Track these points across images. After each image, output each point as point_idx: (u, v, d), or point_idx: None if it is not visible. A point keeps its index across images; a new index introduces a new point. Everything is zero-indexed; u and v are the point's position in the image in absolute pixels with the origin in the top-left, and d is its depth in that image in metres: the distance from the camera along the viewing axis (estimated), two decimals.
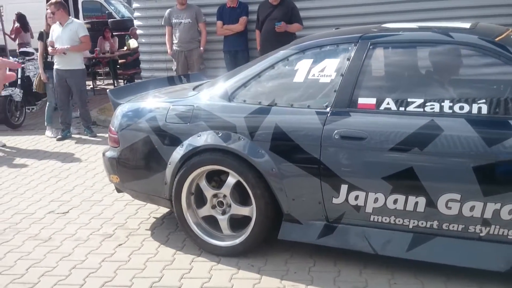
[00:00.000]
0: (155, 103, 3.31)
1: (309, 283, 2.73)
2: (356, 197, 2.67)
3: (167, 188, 3.11)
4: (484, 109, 2.42)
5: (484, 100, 2.44)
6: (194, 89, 3.44)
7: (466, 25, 2.87)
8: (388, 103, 2.62)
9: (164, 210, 3.72)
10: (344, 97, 2.72)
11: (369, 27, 3.06)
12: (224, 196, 3.02)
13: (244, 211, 2.99)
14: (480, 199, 2.40)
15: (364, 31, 2.89)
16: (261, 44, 6.00)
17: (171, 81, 4.15)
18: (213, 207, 3.08)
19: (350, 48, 2.80)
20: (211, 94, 3.15)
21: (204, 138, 2.98)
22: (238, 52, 6.28)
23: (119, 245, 3.30)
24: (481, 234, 2.47)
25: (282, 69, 2.99)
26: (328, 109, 2.75)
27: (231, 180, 2.95)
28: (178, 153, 3.03)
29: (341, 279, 2.75)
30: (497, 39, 2.57)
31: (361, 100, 2.69)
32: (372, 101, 2.66)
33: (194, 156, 3.00)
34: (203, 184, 3.04)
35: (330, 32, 3.34)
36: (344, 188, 2.68)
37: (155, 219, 3.68)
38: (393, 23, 3.24)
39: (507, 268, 2.42)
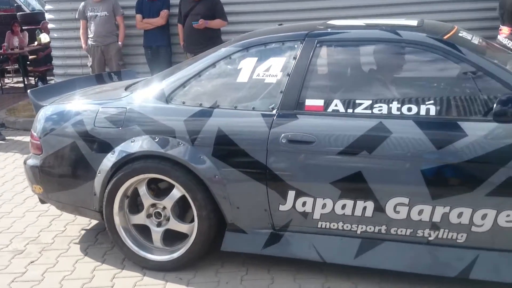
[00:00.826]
0: (82, 105, 2.98)
1: None
2: (304, 203, 2.56)
3: (96, 199, 2.81)
4: (433, 110, 2.41)
5: (432, 101, 2.42)
6: (126, 89, 3.14)
7: (413, 22, 2.85)
8: (336, 105, 2.53)
9: (82, 220, 3.42)
10: (291, 99, 2.59)
11: (315, 24, 2.95)
12: (164, 208, 2.77)
13: (183, 228, 2.78)
14: (429, 203, 2.38)
15: (310, 28, 2.78)
16: (185, 39, 5.77)
17: (100, 79, 3.80)
18: (149, 216, 2.83)
19: (296, 46, 2.67)
20: (146, 95, 2.89)
21: (139, 144, 2.72)
22: (160, 48, 5.99)
23: (31, 262, 2.99)
24: (429, 238, 2.45)
25: (225, 68, 2.80)
26: (274, 112, 2.60)
27: (176, 193, 2.73)
28: (109, 160, 2.75)
29: (274, 286, 2.66)
30: (445, 37, 2.56)
31: (309, 102, 2.57)
32: (320, 102, 2.56)
33: (128, 164, 2.72)
34: (143, 190, 2.79)
35: (275, 29, 3.21)
36: (291, 194, 2.55)
37: (71, 231, 3.35)
38: (338, 20, 3.17)
39: (456, 273, 2.43)
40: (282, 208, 2.60)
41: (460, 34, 2.70)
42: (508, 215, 2.30)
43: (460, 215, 2.35)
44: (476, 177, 2.31)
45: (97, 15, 5.92)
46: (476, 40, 2.71)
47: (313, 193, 2.53)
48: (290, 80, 2.61)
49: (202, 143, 2.65)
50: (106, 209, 2.83)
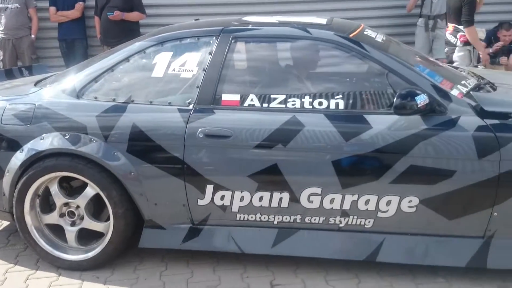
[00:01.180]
0: None
1: None
2: (222, 197, 2.60)
3: (5, 199, 2.69)
4: (341, 104, 2.53)
5: (341, 96, 2.54)
6: (36, 84, 3.02)
7: (323, 20, 2.97)
8: (252, 100, 2.59)
9: None
10: (207, 94, 2.61)
11: (230, 20, 2.99)
12: (77, 206, 2.70)
13: (98, 227, 2.73)
14: (339, 192, 2.50)
15: (225, 24, 2.81)
16: (102, 32, 5.61)
17: (9, 74, 3.61)
18: (62, 215, 2.75)
19: (211, 41, 2.69)
20: (56, 90, 2.80)
21: (49, 141, 2.63)
22: (75, 41, 5.77)
23: None
24: (340, 225, 2.59)
25: (139, 63, 2.77)
26: (191, 106, 2.61)
27: (90, 191, 2.66)
28: (18, 159, 2.64)
29: (194, 279, 2.68)
30: (351, 35, 2.69)
31: (225, 97, 2.61)
32: (236, 97, 2.60)
33: (38, 162, 2.62)
34: (54, 189, 2.71)
35: (190, 24, 3.21)
36: (210, 188, 2.59)
37: None
38: (253, 16, 3.22)
39: (364, 257, 2.58)
40: (200, 202, 2.62)
41: (365, 32, 2.85)
42: (410, 201, 2.47)
43: (367, 202, 2.50)
44: (381, 166, 2.46)
45: (7, 7, 5.60)
46: (380, 38, 2.87)
47: (231, 186, 2.57)
48: (206, 75, 2.63)
49: (116, 139, 2.61)
50: (17, 209, 2.71)
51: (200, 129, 2.55)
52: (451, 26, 4.89)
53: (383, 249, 2.56)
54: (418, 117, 2.42)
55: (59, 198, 2.71)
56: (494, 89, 2.80)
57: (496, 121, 2.42)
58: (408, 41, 5.20)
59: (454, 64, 4.50)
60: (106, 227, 2.70)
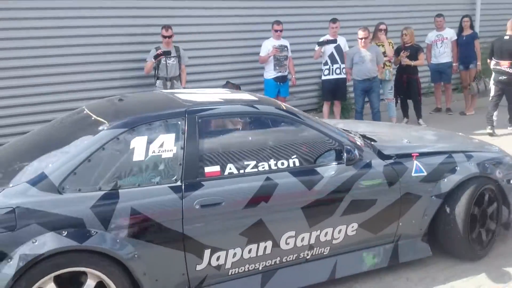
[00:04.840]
0: None
1: None
2: (218, 258, 2.94)
3: None
4: (297, 162, 3.22)
5: (295, 155, 3.23)
6: None
7: (253, 96, 3.61)
8: (230, 168, 3.02)
9: None
10: (191, 169, 2.92)
11: (177, 100, 3.32)
12: None
13: None
14: (307, 230, 3.18)
15: (181, 105, 3.16)
16: None
17: None
18: None
19: (180, 122, 2.99)
20: (25, 188, 2.64)
21: (46, 242, 2.52)
22: None
23: None
24: (307, 257, 3.25)
25: (115, 149, 2.84)
26: (179, 183, 2.88)
27: (91, 283, 2.64)
28: (10, 268, 2.47)
29: None
30: (284, 107, 3.42)
31: (207, 169, 2.96)
32: (217, 168, 2.99)
33: (33, 267, 2.51)
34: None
35: (140, 106, 3.42)
36: (207, 252, 2.90)
37: None
38: (182, 91, 3.57)
39: (327, 277, 3.30)
40: (199, 267, 2.90)
41: (286, 104, 3.63)
42: (352, 227, 3.32)
43: (326, 234, 3.24)
44: (333, 204, 3.24)
45: None
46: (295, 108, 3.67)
47: (226, 246, 2.95)
48: (186, 153, 2.93)
49: (117, 226, 2.68)
50: None
51: (196, 201, 2.85)
52: (507, 62, 6.93)
53: (338, 267, 3.34)
54: (350, 166, 3.30)
55: None
56: (374, 140, 3.87)
57: (391, 160, 3.50)
58: None
59: None
60: None
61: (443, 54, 8.48)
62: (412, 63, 7.78)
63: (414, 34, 7.95)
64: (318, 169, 3.25)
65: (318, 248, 3.26)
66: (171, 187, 2.85)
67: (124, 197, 2.74)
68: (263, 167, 3.12)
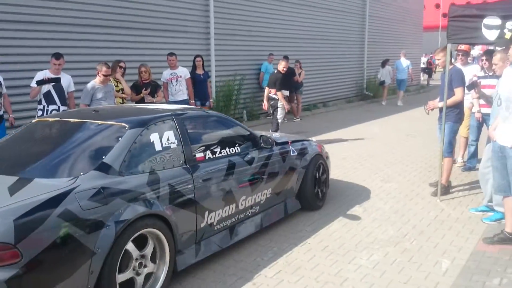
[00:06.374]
0: None
1: None
2: (211, 217, 4.13)
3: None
4: (239, 149, 4.62)
5: (237, 144, 4.62)
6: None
7: (179, 106, 4.86)
8: (208, 154, 4.21)
9: None
10: (188, 155, 4.01)
11: (151, 109, 4.40)
12: (141, 257, 3.50)
13: (155, 268, 3.65)
14: (251, 195, 4.63)
15: (167, 110, 4.25)
16: None
17: None
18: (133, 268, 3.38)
19: (171, 122, 4.04)
20: (97, 174, 3.46)
21: (131, 211, 3.35)
22: None
23: None
24: (249, 215, 4.71)
25: (143, 142, 3.71)
26: (186, 165, 3.95)
27: (150, 242, 3.56)
28: (110, 232, 3.25)
29: None
30: (223, 114, 4.80)
31: (197, 155, 4.09)
32: (202, 154, 4.15)
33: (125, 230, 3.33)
34: (131, 247, 3.37)
35: (127, 112, 4.31)
36: (207, 213, 4.08)
37: None
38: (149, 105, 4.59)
39: (259, 227, 4.80)
40: (201, 225, 4.03)
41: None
42: (269, 191, 4.92)
43: (258, 196, 4.74)
44: (261, 175, 4.76)
45: None
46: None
47: (215, 208, 4.15)
48: (183, 144, 4.02)
49: (162, 197, 3.63)
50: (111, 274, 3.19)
51: (199, 177, 3.99)
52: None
53: (263, 220, 4.88)
54: (266, 149, 4.92)
55: (135, 253, 3.38)
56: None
57: (280, 147, 5.26)
58: None
59: None
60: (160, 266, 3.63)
61: (179, 92, 8.65)
62: (154, 100, 7.69)
63: (151, 72, 7.99)
64: (250, 153, 4.75)
65: (254, 207, 4.73)
66: (184, 168, 3.91)
67: (162, 177, 3.68)
68: (225, 152, 4.43)
